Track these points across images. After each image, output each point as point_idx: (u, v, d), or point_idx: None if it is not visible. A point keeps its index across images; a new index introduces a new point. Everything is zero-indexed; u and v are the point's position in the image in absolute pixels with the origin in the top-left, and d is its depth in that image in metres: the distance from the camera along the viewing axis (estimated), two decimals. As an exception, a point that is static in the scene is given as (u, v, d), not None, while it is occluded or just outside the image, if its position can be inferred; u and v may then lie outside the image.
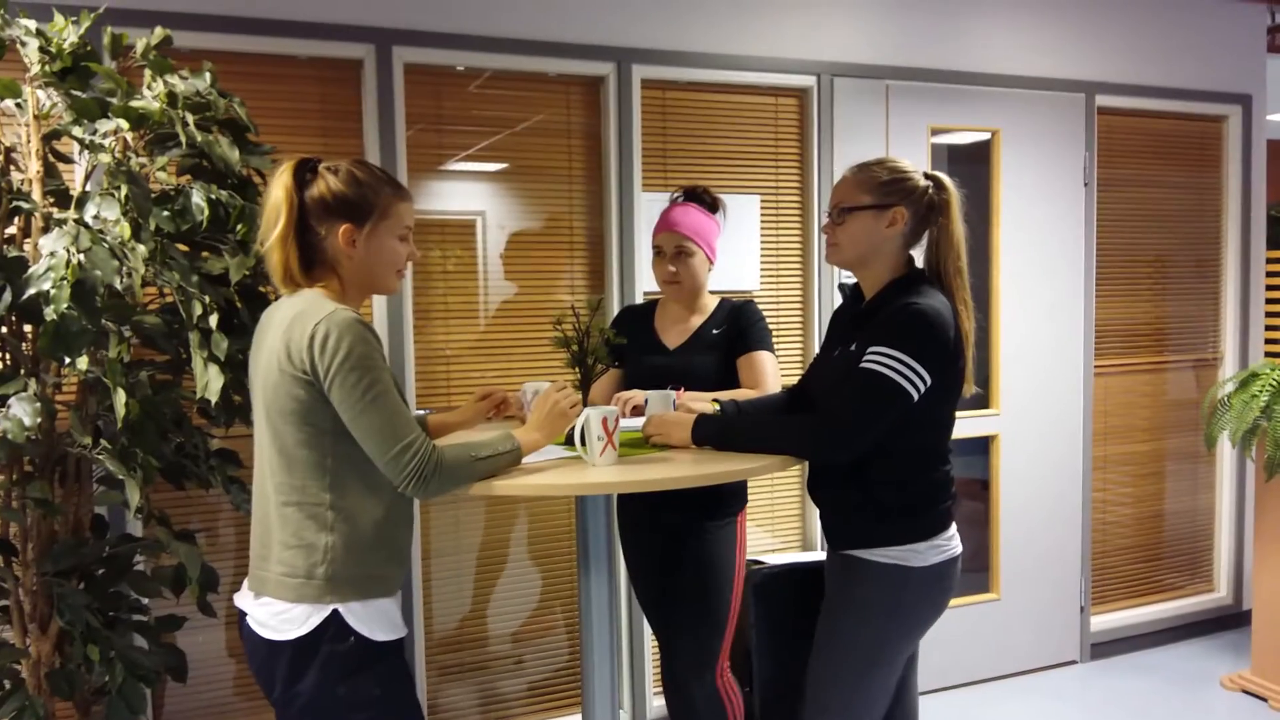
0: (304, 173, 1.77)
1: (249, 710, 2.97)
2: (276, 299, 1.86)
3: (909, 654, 2.14)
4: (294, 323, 1.69)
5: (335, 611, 1.70)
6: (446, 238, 3.13)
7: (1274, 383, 3.52)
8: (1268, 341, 4.29)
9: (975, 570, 3.88)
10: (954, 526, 2.09)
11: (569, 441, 2.15)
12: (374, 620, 1.73)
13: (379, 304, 2.97)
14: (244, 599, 1.80)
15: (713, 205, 2.66)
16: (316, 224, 1.76)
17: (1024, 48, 3.81)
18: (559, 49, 3.11)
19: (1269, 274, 4.23)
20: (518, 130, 3.17)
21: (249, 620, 1.76)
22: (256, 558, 1.78)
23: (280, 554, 1.72)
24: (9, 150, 2.15)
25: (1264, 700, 3.66)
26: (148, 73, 2.20)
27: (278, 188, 1.75)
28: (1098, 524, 4.14)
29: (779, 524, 3.60)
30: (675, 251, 2.59)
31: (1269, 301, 4.26)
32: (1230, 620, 4.37)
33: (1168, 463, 4.31)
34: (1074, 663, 4.06)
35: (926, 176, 2.08)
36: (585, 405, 2.24)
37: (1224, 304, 4.34)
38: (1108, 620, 4.14)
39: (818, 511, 3.52)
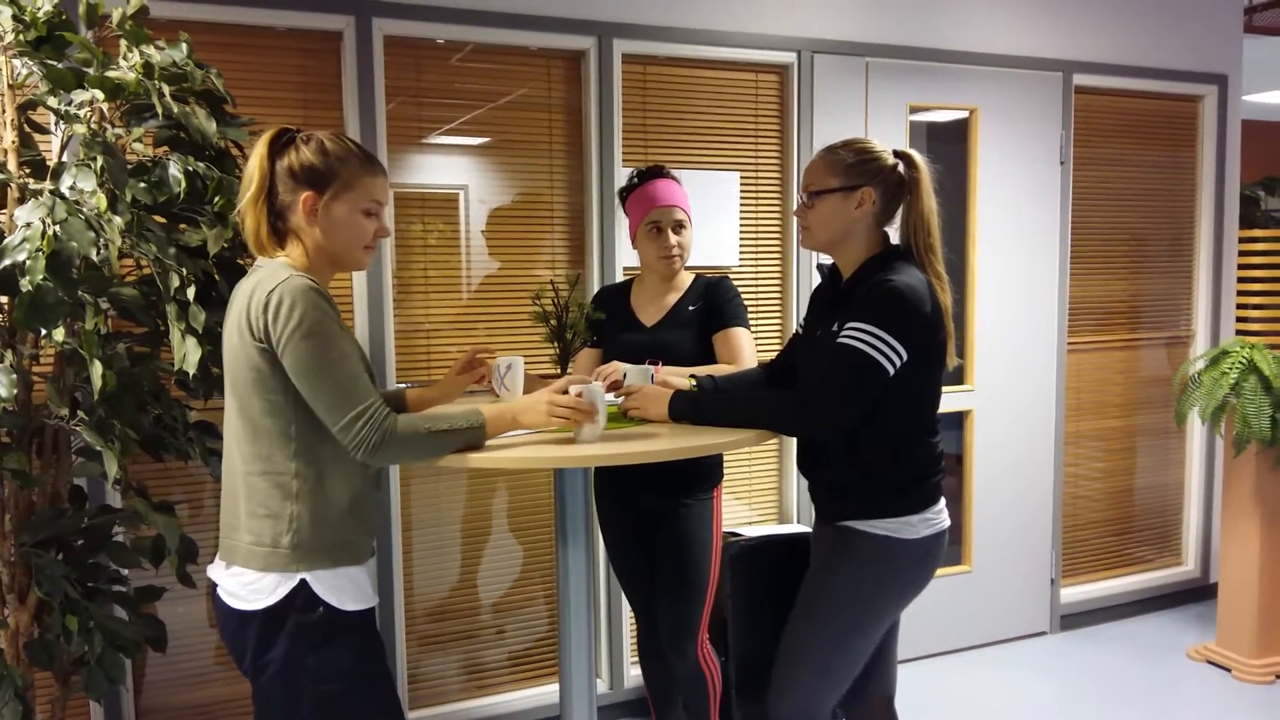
0: (280, 141, 1.79)
1: (229, 680, 2.99)
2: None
3: (890, 624, 2.19)
4: (254, 292, 1.71)
5: (303, 581, 1.72)
6: (428, 211, 3.12)
7: (1243, 360, 3.57)
8: (1239, 320, 4.35)
9: (948, 543, 3.92)
10: (943, 500, 2.13)
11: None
12: (343, 589, 1.75)
13: (359, 277, 2.97)
14: (215, 570, 1.82)
15: (677, 181, 2.68)
16: (283, 191, 1.78)
17: (1003, 26, 3.83)
18: (540, 22, 3.10)
19: (1241, 253, 4.28)
20: (499, 104, 3.17)
21: (220, 591, 1.78)
22: (226, 527, 1.80)
23: (248, 523, 1.74)
24: (-17, 120, 2.14)
25: (1227, 670, 3.74)
26: (123, 43, 2.18)
27: (254, 155, 1.78)
28: (1069, 498, 4.21)
29: (756, 497, 3.64)
30: (674, 225, 2.60)
31: (1241, 280, 4.31)
32: (1197, 593, 4.46)
33: (1139, 438, 4.37)
34: (1044, 634, 4.13)
35: (897, 154, 2.10)
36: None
37: (1197, 282, 4.39)
38: (1077, 592, 4.21)
39: (796, 484, 3.58)
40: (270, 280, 1.70)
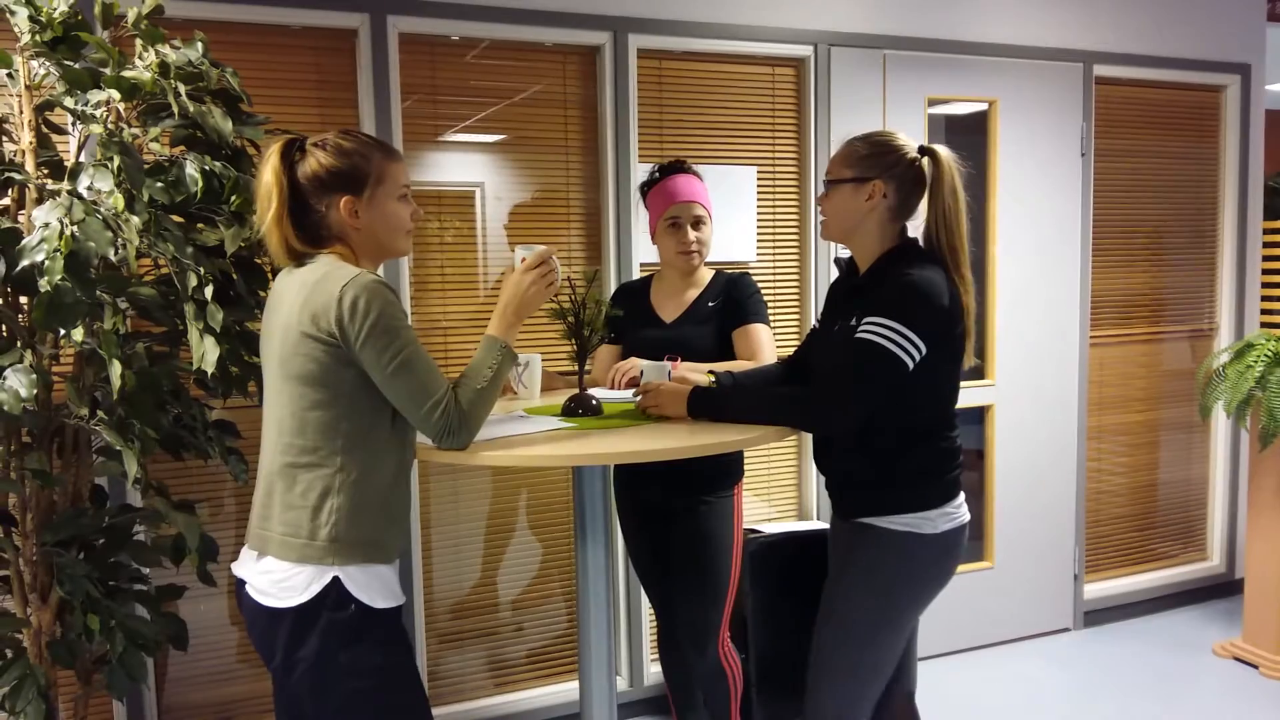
0: (292, 152, 1.78)
1: (251, 677, 3.00)
2: (274, 270, 1.86)
3: (916, 620, 2.17)
4: (316, 287, 1.70)
5: (336, 579, 1.71)
6: (444, 209, 3.12)
7: (1269, 353, 3.53)
8: (1263, 312, 4.30)
9: (970, 539, 3.89)
10: (962, 494, 2.11)
11: (567, 412, 2.17)
12: (373, 587, 1.75)
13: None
14: (243, 567, 1.80)
15: (699, 176, 2.66)
16: (315, 201, 1.77)
17: (1022, 17, 3.79)
18: (555, 18, 3.09)
19: (1265, 244, 4.24)
20: (515, 101, 3.16)
21: (248, 589, 1.77)
22: (258, 518, 1.79)
23: (283, 514, 1.73)
24: (1, 121, 2.14)
25: (1254, 667, 3.70)
26: (139, 42, 2.19)
27: (267, 170, 1.75)
28: (1092, 493, 4.17)
29: (775, 494, 3.62)
30: (693, 220, 2.59)
31: (1265, 272, 4.27)
32: (1223, 588, 4.41)
33: (1162, 433, 4.33)
34: (1067, 630, 4.10)
35: (923, 150, 2.07)
36: (582, 381, 2.25)
37: (1220, 275, 4.34)
38: (1101, 588, 4.18)
39: (815, 481, 3.56)
40: (339, 276, 1.70)
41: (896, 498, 2.04)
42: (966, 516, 2.11)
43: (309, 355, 1.70)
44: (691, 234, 2.58)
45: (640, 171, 3.20)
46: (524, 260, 1.92)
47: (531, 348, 3.14)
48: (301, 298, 1.71)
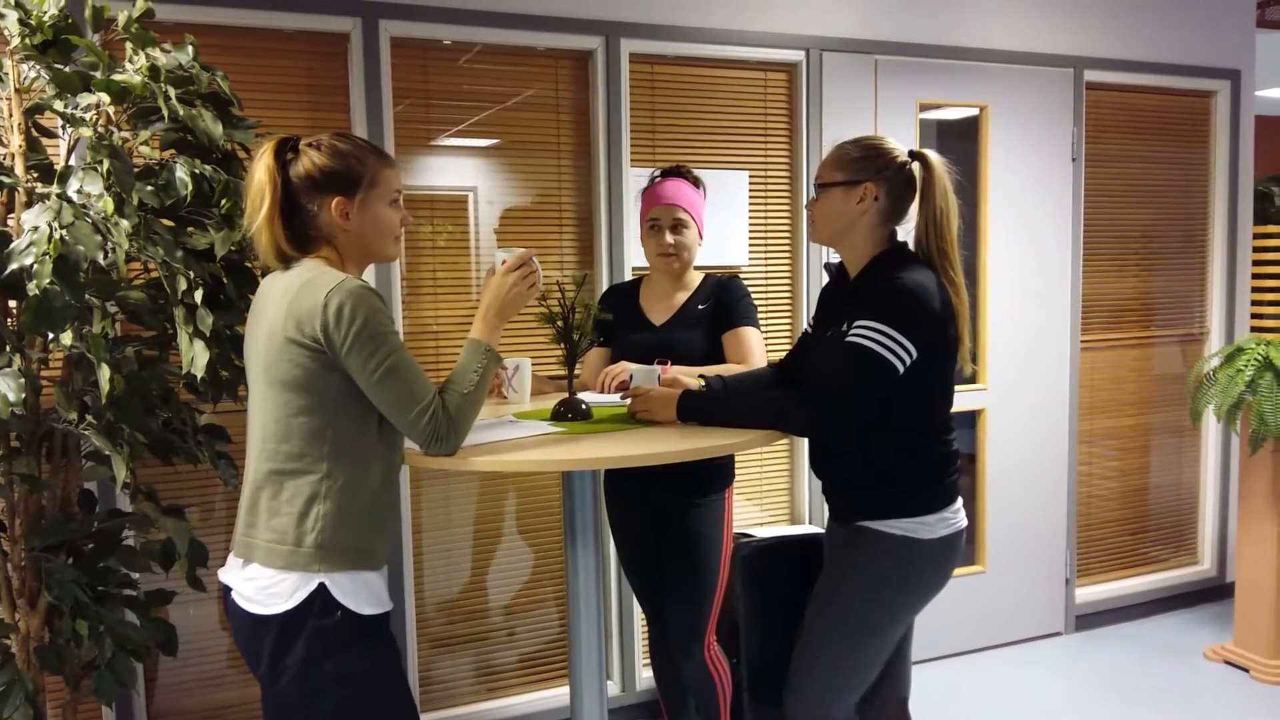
0: (285, 151, 1.77)
1: (241, 682, 2.99)
2: (264, 273, 1.85)
3: (907, 625, 2.17)
4: (301, 292, 1.69)
5: (321, 585, 1.70)
6: (436, 213, 3.12)
7: (1259, 357, 3.54)
8: (1254, 316, 4.32)
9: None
10: (960, 499, 2.11)
11: (556, 416, 2.17)
12: (360, 594, 1.74)
13: (368, 277, 2.96)
14: (229, 574, 1.79)
15: (695, 182, 2.66)
16: (306, 201, 1.77)
17: (1013, 23, 3.80)
18: (547, 23, 3.09)
19: (1255, 249, 4.25)
20: (507, 105, 3.16)
21: (234, 595, 1.76)
22: (244, 524, 1.78)
23: (269, 521, 1.73)
24: (-10, 125, 2.14)
25: (1245, 670, 3.71)
26: (129, 46, 2.18)
27: (260, 169, 1.75)
28: (1083, 497, 4.18)
29: (767, 498, 3.62)
30: (673, 224, 2.59)
31: (1255, 277, 4.28)
32: (1213, 592, 4.42)
33: (1153, 437, 4.34)
34: (1059, 634, 4.10)
35: (913, 154, 2.08)
36: (572, 385, 2.25)
37: (1210, 279, 4.36)
38: (1092, 592, 4.18)
39: (808, 485, 3.56)
40: (324, 282, 1.69)
41: (897, 501, 2.05)
42: (964, 522, 2.12)
43: (294, 361, 1.69)
44: (669, 237, 2.58)
45: (632, 176, 3.21)
46: (504, 262, 1.92)
47: (521, 352, 3.14)
48: (286, 303, 1.70)
